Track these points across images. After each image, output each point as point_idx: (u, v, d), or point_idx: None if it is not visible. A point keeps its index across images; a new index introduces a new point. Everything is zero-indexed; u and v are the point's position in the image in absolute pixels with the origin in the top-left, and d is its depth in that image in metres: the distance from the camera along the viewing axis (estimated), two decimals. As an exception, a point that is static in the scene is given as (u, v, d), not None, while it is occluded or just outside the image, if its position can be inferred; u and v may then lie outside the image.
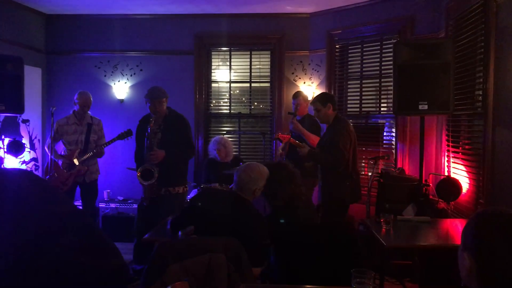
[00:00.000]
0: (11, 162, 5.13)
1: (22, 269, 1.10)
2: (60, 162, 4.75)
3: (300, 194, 3.01)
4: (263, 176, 2.92)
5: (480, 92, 3.94)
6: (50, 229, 1.17)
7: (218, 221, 2.73)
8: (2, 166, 4.65)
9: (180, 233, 2.82)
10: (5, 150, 5.04)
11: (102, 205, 6.02)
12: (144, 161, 4.14)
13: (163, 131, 4.22)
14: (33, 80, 5.92)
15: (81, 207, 4.75)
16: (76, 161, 4.68)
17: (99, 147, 4.84)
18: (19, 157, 5.20)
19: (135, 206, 5.47)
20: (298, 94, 5.20)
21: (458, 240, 3.32)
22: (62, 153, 4.86)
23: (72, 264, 1.15)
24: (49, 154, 4.79)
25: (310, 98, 5.63)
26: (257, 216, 2.88)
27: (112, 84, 6.35)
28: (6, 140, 5.13)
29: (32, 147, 5.83)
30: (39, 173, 5.94)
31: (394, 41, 5.08)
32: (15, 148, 5.10)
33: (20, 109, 4.83)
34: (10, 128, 5.39)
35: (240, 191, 2.89)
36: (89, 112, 4.95)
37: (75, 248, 1.17)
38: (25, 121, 5.36)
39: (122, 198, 6.13)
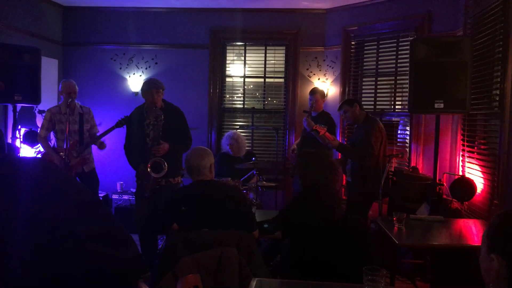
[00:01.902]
0: (27, 152, 5.20)
1: (40, 257, 1.12)
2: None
3: (326, 185, 2.91)
4: (208, 152, 3.01)
5: (497, 92, 3.88)
6: (68, 218, 1.18)
7: (200, 215, 2.74)
8: (18, 156, 4.70)
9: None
10: (22, 140, 5.12)
11: (115, 196, 6.08)
12: (145, 153, 4.15)
13: (164, 123, 4.22)
14: (49, 71, 5.98)
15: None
16: (74, 152, 4.67)
17: (92, 136, 4.81)
18: (35, 147, 5.25)
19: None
20: (315, 91, 5.18)
21: (471, 240, 3.29)
22: (55, 145, 4.85)
23: (89, 252, 1.17)
24: (44, 148, 4.77)
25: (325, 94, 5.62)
26: (229, 186, 3.00)
27: (127, 76, 6.39)
28: (23, 130, 5.20)
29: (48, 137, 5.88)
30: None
31: (411, 38, 5.04)
32: (31, 138, 5.16)
33: (36, 99, 4.88)
34: (27, 119, 5.45)
35: (200, 176, 2.92)
36: (78, 102, 4.92)
37: (92, 237, 1.19)
38: (42, 112, 5.41)
39: (135, 190, 6.16)
